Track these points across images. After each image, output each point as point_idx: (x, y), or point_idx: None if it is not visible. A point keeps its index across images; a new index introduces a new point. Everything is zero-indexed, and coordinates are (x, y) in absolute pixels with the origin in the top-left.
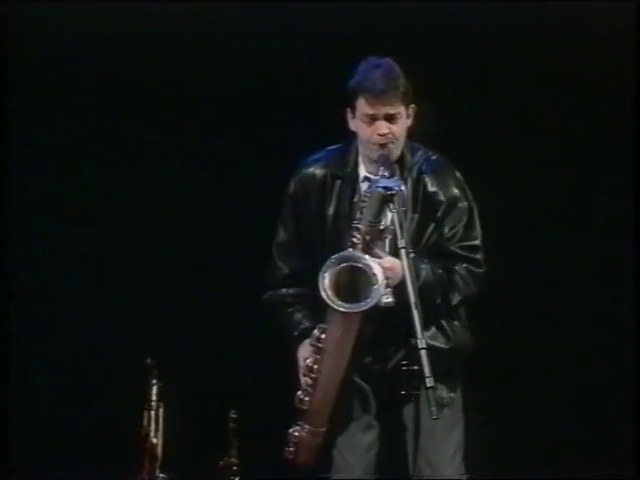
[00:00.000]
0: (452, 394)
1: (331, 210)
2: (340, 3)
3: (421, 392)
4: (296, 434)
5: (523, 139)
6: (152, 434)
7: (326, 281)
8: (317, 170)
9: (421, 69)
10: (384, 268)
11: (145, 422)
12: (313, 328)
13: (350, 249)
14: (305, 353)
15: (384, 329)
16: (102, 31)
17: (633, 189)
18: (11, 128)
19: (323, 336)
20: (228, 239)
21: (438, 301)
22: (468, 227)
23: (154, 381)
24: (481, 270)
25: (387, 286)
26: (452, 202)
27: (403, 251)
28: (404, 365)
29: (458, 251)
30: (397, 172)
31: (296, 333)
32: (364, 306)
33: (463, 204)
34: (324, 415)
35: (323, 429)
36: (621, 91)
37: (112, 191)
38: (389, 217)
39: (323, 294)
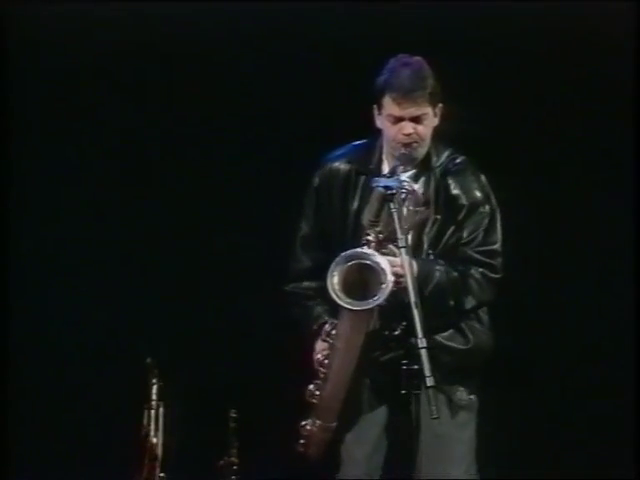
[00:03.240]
0: (471, 396)
1: (354, 205)
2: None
3: (421, 391)
4: (307, 428)
5: (526, 140)
6: (152, 434)
7: (335, 278)
8: (342, 165)
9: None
10: (396, 267)
11: (145, 422)
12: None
13: (364, 246)
14: (319, 347)
15: (400, 327)
16: (102, 31)
17: (633, 186)
18: (12, 128)
19: (334, 332)
20: (228, 239)
21: (451, 303)
22: (488, 232)
23: (154, 381)
24: (497, 275)
25: (398, 284)
26: (474, 206)
27: (403, 250)
28: (404, 364)
29: (476, 255)
30: (418, 171)
31: (315, 327)
32: (371, 304)
33: (485, 208)
34: (334, 411)
35: (333, 425)
36: (621, 91)
37: (112, 190)
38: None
39: (331, 291)
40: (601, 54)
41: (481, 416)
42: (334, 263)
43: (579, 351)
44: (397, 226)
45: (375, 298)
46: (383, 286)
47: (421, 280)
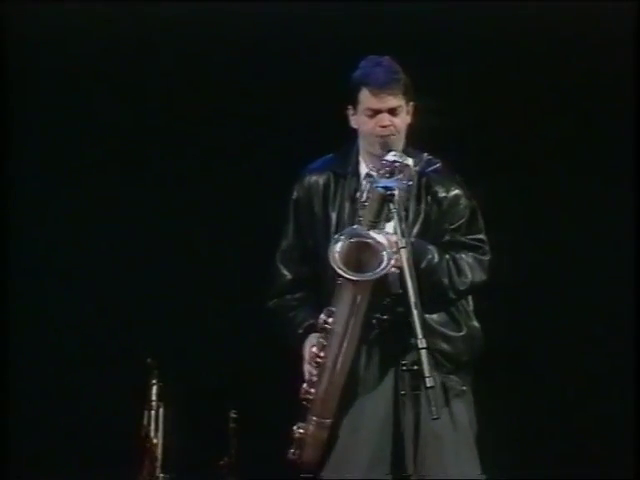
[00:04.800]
0: (463, 387)
1: (335, 210)
2: (339, 4)
3: (421, 392)
4: (301, 430)
5: (522, 137)
6: (152, 434)
7: (337, 249)
8: (320, 173)
9: (420, 69)
10: (391, 242)
11: (145, 422)
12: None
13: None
14: (310, 343)
15: (400, 321)
16: (102, 30)
17: (633, 183)
18: (12, 128)
19: (330, 319)
20: (228, 241)
21: (445, 281)
22: (471, 222)
23: (154, 381)
24: (487, 257)
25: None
26: (454, 200)
27: (403, 251)
28: (404, 365)
29: (463, 240)
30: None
31: (301, 331)
32: (373, 276)
33: (465, 202)
34: (331, 404)
35: (330, 421)
36: (621, 91)
37: (112, 190)
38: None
39: (334, 264)
40: (601, 53)
41: (481, 414)
42: (334, 240)
43: (580, 351)
44: (398, 227)
45: (382, 266)
46: (384, 253)
47: (415, 257)
